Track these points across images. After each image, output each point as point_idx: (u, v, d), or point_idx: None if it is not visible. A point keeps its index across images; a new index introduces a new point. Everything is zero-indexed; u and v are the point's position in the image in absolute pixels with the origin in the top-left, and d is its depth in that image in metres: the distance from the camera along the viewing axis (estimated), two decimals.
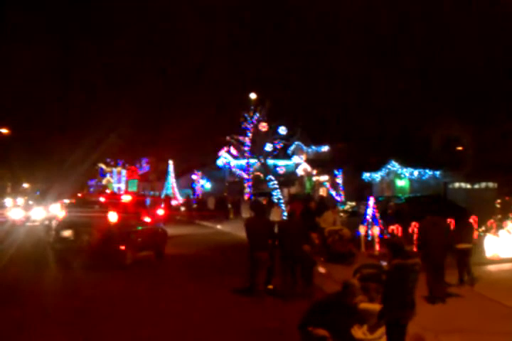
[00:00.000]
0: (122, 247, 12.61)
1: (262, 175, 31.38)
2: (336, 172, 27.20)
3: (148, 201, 25.96)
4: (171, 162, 49.04)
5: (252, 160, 31.73)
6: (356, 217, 16.90)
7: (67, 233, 12.91)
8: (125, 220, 13.31)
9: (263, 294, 9.33)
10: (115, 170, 62.51)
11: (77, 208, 14.58)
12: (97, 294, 9.35)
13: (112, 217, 12.98)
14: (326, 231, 13.05)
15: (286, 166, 35.51)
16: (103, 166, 64.68)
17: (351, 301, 5.43)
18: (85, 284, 10.31)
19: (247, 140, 31.22)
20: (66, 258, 12.57)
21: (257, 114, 30.56)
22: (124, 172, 61.56)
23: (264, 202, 22.42)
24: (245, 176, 31.97)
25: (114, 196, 17.68)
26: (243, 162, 32.87)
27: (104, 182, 68.73)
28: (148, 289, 9.99)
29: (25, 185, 74.72)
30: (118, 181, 62.22)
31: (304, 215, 13.43)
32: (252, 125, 30.95)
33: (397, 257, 5.38)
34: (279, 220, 16.47)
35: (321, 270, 11.12)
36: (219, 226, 26.66)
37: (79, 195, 64.35)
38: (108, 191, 63.87)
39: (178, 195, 45.34)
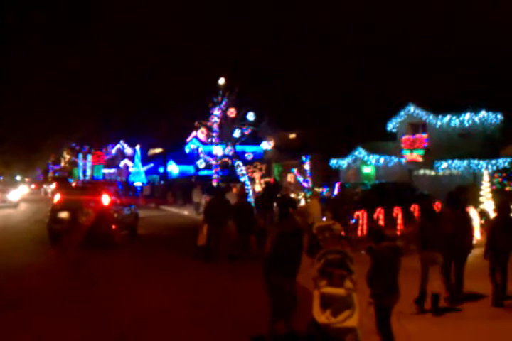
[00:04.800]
0: (114, 226, 14.25)
1: (229, 161, 31.25)
2: (304, 158, 27.29)
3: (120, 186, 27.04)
4: (137, 147, 48.48)
5: (219, 148, 31.51)
6: (324, 203, 17.02)
7: (63, 214, 14.07)
8: (113, 203, 14.85)
9: (214, 258, 11.65)
10: (80, 155, 61.33)
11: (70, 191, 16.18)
12: (97, 265, 11.37)
13: (105, 199, 14.41)
14: (314, 227, 11.20)
15: (254, 152, 35.43)
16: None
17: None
18: (84, 259, 11.98)
19: (215, 125, 31.00)
20: (64, 237, 13.81)
21: (226, 100, 30.36)
22: (89, 157, 60.47)
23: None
24: (213, 162, 31.79)
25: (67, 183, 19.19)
26: (211, 147, 32.65)
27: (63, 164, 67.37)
28: (132, 260, 12.23)
29: None
30: (84, 166, 61.21)
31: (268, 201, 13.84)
32: (220, 110, 30.72)
33: (384, 241, 5.80)
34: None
35: None
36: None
37: (26, 179, 62.92)
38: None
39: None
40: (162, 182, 42.32)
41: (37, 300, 8.14)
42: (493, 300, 7.65)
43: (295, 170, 29.06)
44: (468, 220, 8.17)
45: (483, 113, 25.28)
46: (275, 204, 18.18)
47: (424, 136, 26.52)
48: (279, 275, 6.16)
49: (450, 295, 7.68)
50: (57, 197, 15.33)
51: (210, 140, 32.05)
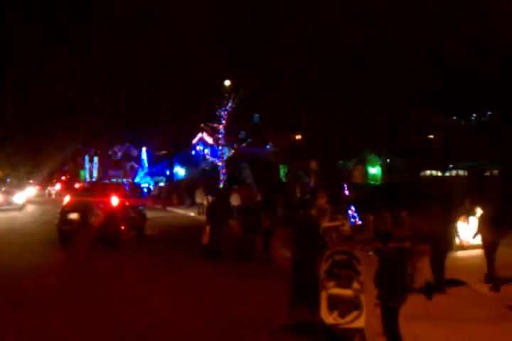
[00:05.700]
0: (123, 227, 14.56)
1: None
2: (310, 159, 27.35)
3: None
4: (144, 149, 48.62)
5: (225, 150, 31.57)
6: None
7: (73, 216, 14.33)
8: (122, 204, 15.14)
9: (218, 257, 11.96)
10: (86, 157, 61.42)
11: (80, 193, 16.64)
12: (106, 265, 11.60)
13: (114, 201, 14.74)
14: (321, 228, 9.78)
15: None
16: None
17: None
18: (93, 258, 12.18)
19: (221, 127, 31.04)
20: (73, 238, 14.04)
21: (231, 102, 30.38)
22: (95, 159, 60.50)
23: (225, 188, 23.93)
24: (219, 163, 31.85)
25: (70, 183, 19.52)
26: (217, 149, 32.70)
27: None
28: (140, 260, 12.43)
29: None
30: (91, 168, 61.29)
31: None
32: (226, 112, 30.76)
33: (391, 242, 5.76)
34: (239, 204, 17.51)
35: None
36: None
37: (31, 181, 62.99)
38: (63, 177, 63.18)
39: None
40: (167, 183, 42.42)
41: (45, 300, 8.24)
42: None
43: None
44: (453, 220, 9.62)
45: (489, 114, 25.25)
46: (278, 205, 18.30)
47: (431, 137, 26.49)
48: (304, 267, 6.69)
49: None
50: (66, 199, 15.62)
51: (216, 142, 32.10)
